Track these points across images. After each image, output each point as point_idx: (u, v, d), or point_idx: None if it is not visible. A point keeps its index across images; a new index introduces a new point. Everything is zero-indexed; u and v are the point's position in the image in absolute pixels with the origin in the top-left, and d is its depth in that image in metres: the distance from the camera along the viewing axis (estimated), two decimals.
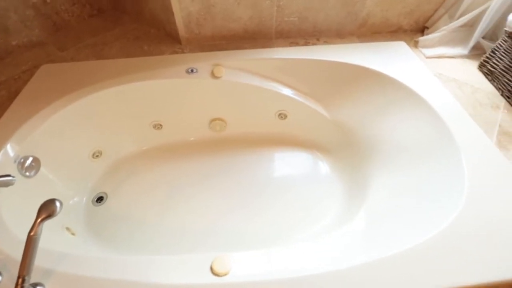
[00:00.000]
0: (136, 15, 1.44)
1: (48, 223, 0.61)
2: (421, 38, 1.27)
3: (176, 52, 1.24)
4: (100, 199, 1.11)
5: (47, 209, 0.56)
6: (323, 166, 1.21)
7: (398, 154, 0.98)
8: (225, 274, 0.61)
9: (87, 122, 1.06)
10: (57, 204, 0.57)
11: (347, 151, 1.15)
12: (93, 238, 0.98)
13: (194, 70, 1.11)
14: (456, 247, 0.65)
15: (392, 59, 1.13)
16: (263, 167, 1.21)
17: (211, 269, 0.63)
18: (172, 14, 1.18)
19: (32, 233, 0.55)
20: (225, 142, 1.27)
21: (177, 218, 1.07)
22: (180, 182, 1.17)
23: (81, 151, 1.09)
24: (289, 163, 1.24)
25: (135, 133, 1.22)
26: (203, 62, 1.13)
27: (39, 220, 0.56)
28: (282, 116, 1.25)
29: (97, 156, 1.14)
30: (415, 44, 1.29)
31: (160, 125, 1.23)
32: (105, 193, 1.12)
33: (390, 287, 0.60)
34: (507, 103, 1.04)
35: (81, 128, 1.05)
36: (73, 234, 0.91)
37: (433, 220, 0.74)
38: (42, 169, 0.92)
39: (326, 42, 1.28)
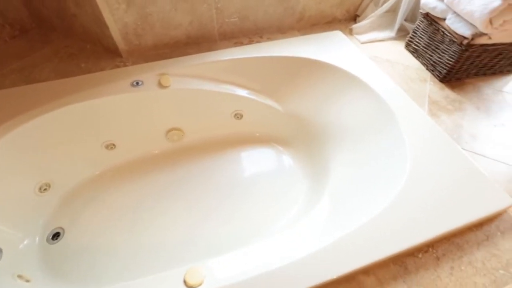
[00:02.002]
0: (66, 31, 1.32)
1: None
2: (354, 26, 1.37)
3: (118, 66, 1.17)
4: (56, 236, 1.01)
5: None
6: (285, 158, 1.25)
7: (348, 134, 1.05)
8: (200, 284, 0.61)
9: (25, 155, 0.96)
10: None
11: (304, 140, 1.20)
12: (55, 280, 0.90)
13: (140, 83, 1.07)
14: (409, 208, 0.73)
15: (331, 48, 1.20)
16: (228, 169, 1.21)
17: (185, 282, 0.61)
18: (107, 27, 1.12)
19: None
20: (186, 151, 1.24)
21: (149, 237, 1.02)
22: (145, 200, 1.12)
23: (24, 187, 0.99)
24: (252, 161, 1.25)
25: (86, 158, 1.13)
26: (148, 73, 1.09)
27: None
28: (238, 116, 1.26)
29: (45, 189, 1.04)
30: (350, 32, 1.39)
31: (113, 144, 1.16)
32: (62, 228, 1.03)
33: (364, 257, 0.65)
34: (432, 76, 1.17)
35: (19, 162, 0.94)
36: (27, 281, 0.82)
37: (388, 188, 0.81)
38: None
39: (269, 39, 1.32)
